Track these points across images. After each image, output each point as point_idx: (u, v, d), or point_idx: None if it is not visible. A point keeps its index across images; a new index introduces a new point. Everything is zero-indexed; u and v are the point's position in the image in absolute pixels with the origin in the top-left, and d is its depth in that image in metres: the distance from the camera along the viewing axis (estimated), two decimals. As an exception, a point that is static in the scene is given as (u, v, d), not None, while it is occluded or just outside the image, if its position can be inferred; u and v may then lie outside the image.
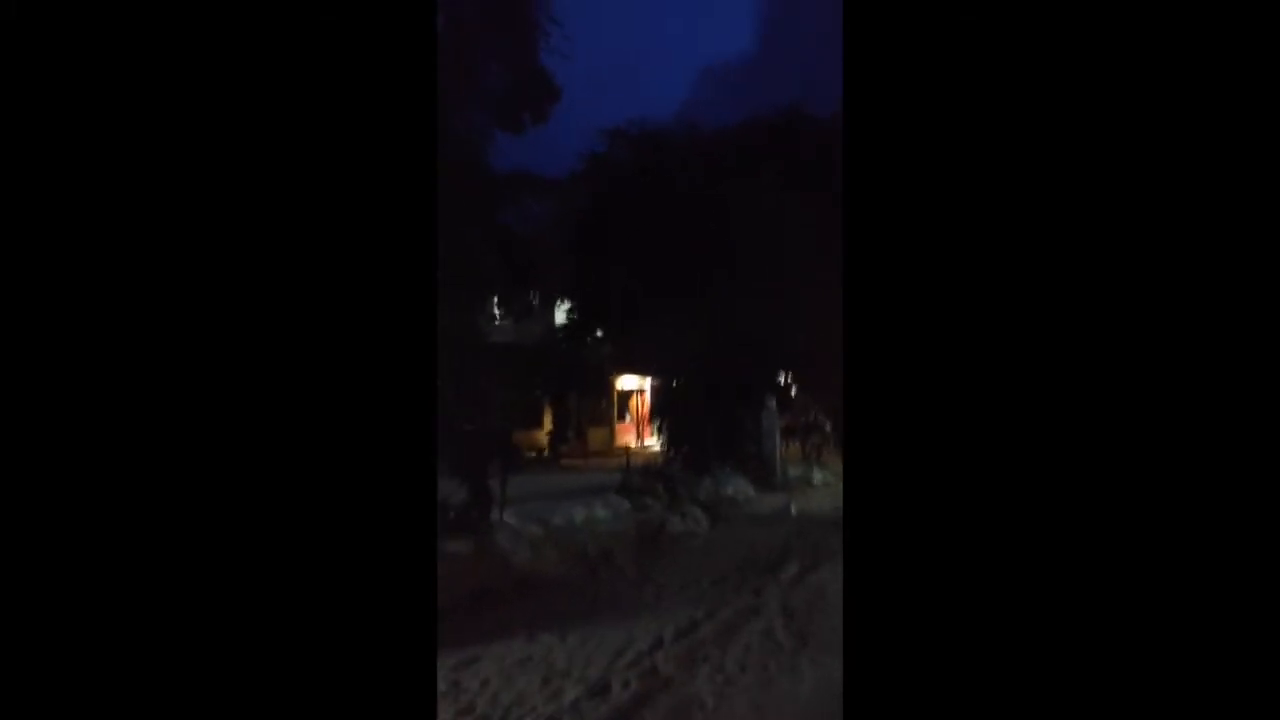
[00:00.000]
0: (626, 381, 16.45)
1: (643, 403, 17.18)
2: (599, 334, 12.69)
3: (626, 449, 13.34)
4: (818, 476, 12.10)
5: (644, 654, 3.60)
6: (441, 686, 3.06)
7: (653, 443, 14.22)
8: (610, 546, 6.26)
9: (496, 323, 9.29)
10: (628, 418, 17.44)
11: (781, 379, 13.77)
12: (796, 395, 15.92)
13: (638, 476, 8.80)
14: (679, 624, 4.11)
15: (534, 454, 13.89)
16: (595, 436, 15.98)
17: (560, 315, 13.16)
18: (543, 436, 14.46)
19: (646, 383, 15.98)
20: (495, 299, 8.40)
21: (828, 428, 14.58)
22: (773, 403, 12.33)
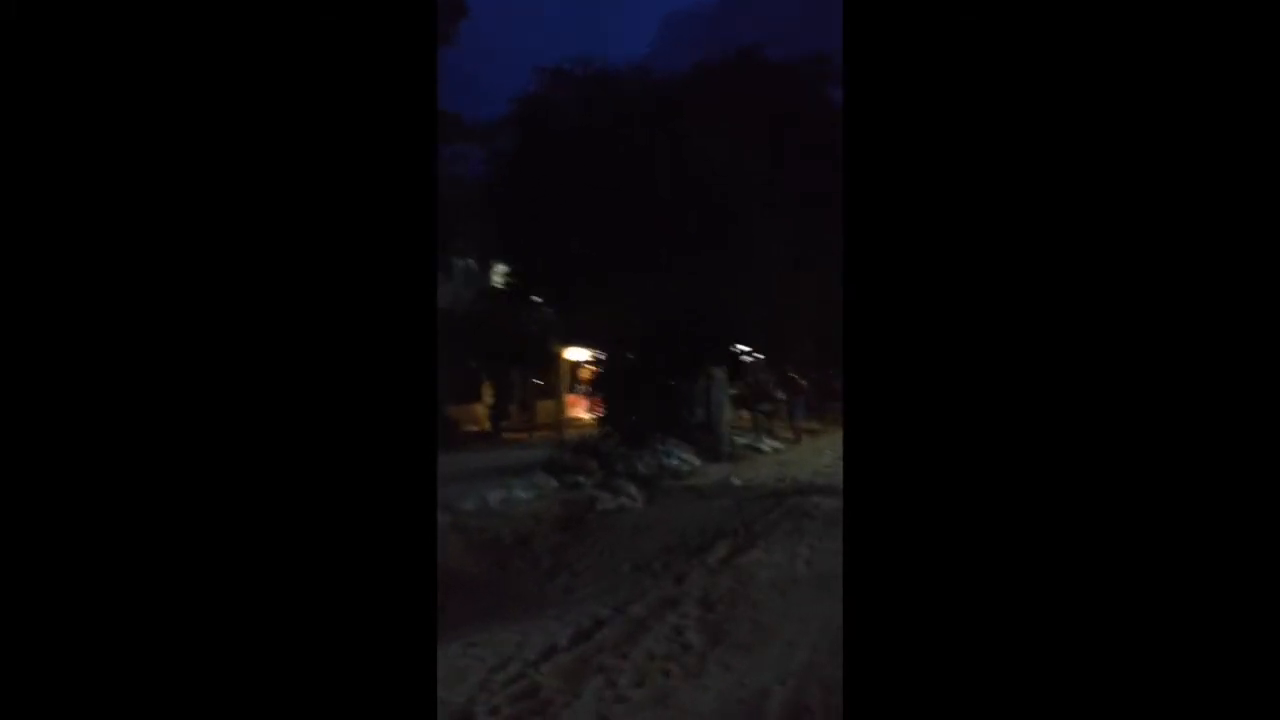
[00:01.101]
0: (579, 352, 15.84)
1: (594, 374, 16.60)
2: (538, 300, 12.01)
3: (571, 423, 12.79)
4: (766, 445, 11.79)
5: (529, 665, 3.08)
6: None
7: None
8: (529, 531, 5.74)
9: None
10: (579, 389, 16.85)
11: (738, 346, 13.37)
12: (751, 362, 15.57)
13: (569, 452, 8.28)
14: (582, 624, 3.60)
15: (474, 429, 13.28)
16: (544, 410, 15.38)
17: (497, 279, 12.40)
18: (482, 410, 13.80)
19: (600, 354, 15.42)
20: None
21: (780, 395, 14.30)
22: (722, 371, 11.89)
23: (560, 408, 15.55)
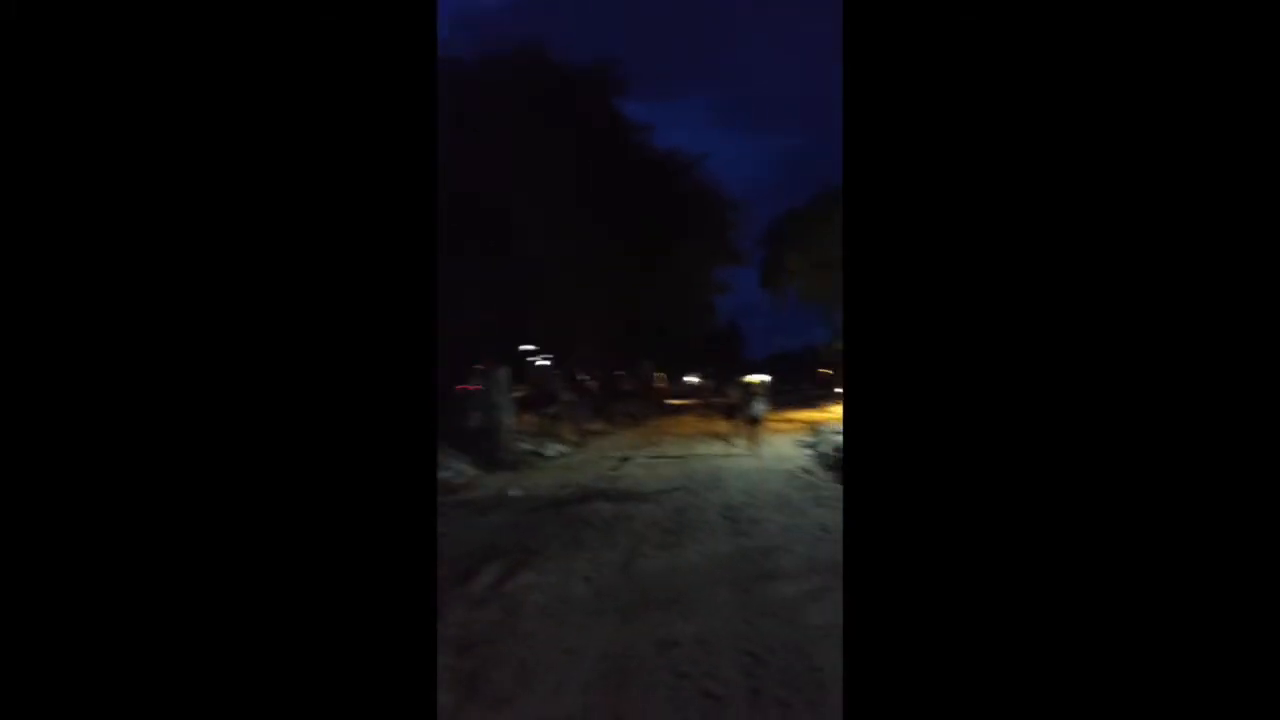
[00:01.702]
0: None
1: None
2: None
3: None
4: (551, 449, 11.35)
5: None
6: None
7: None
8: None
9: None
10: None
11: (525, 347, 12.77)
12: (537, 364, 15.03)
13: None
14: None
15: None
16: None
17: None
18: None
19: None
20: None
21: (566, 397, 13.97)
22: (504, 373, 11.23)
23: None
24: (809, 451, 10.50)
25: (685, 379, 42.98)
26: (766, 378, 30.61)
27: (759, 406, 10.67)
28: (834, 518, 5.89)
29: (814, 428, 14.02)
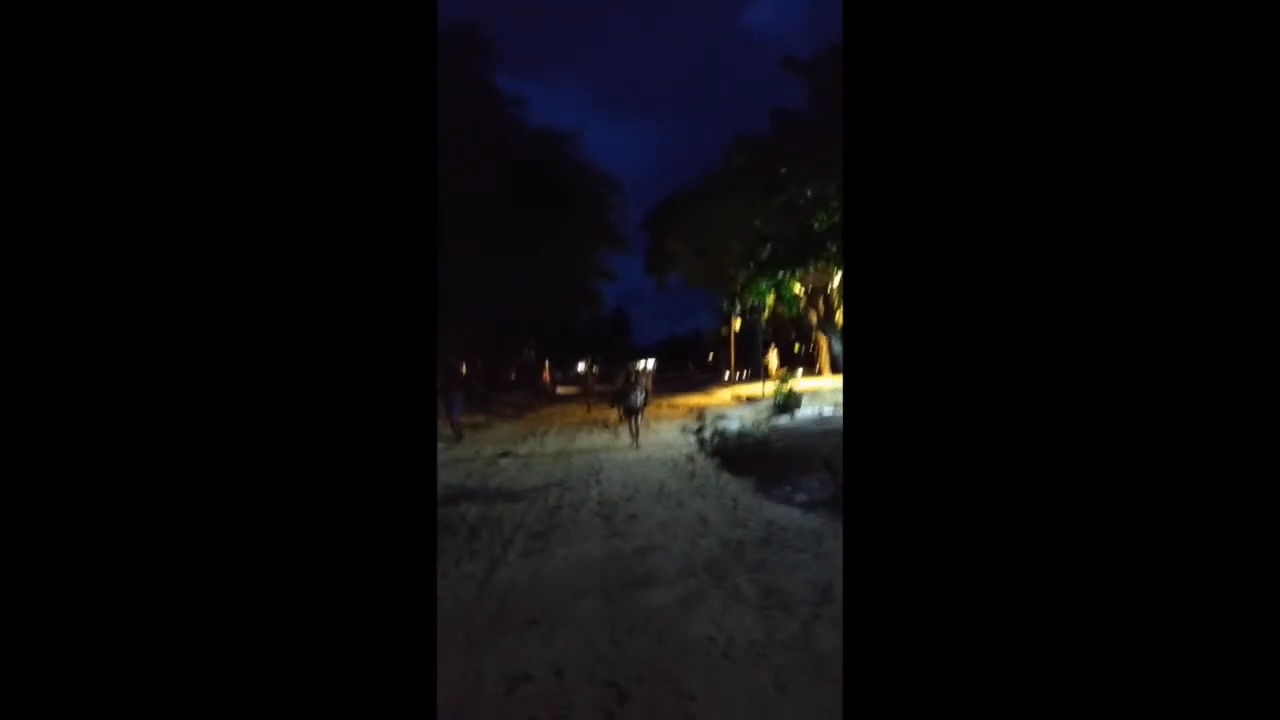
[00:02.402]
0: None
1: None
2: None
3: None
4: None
5: None
6: None
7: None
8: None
9: None
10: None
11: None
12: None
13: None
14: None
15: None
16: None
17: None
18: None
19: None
20: None
21: (441, 389, 13.10)
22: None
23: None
24: (692, 438, 10.34)
25: (573, 368, 42.47)
26: (653, 364, 30.70)
27: (638, 395, 10.37)
28: (714, 508, 5.65)
29: (699, 413, 13.97)
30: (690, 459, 8.56)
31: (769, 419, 11.21)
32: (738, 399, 16.39)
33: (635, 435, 10.22)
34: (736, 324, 26.21)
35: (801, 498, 5.91)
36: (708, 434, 10.01)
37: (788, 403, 12.10)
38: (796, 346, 31.39)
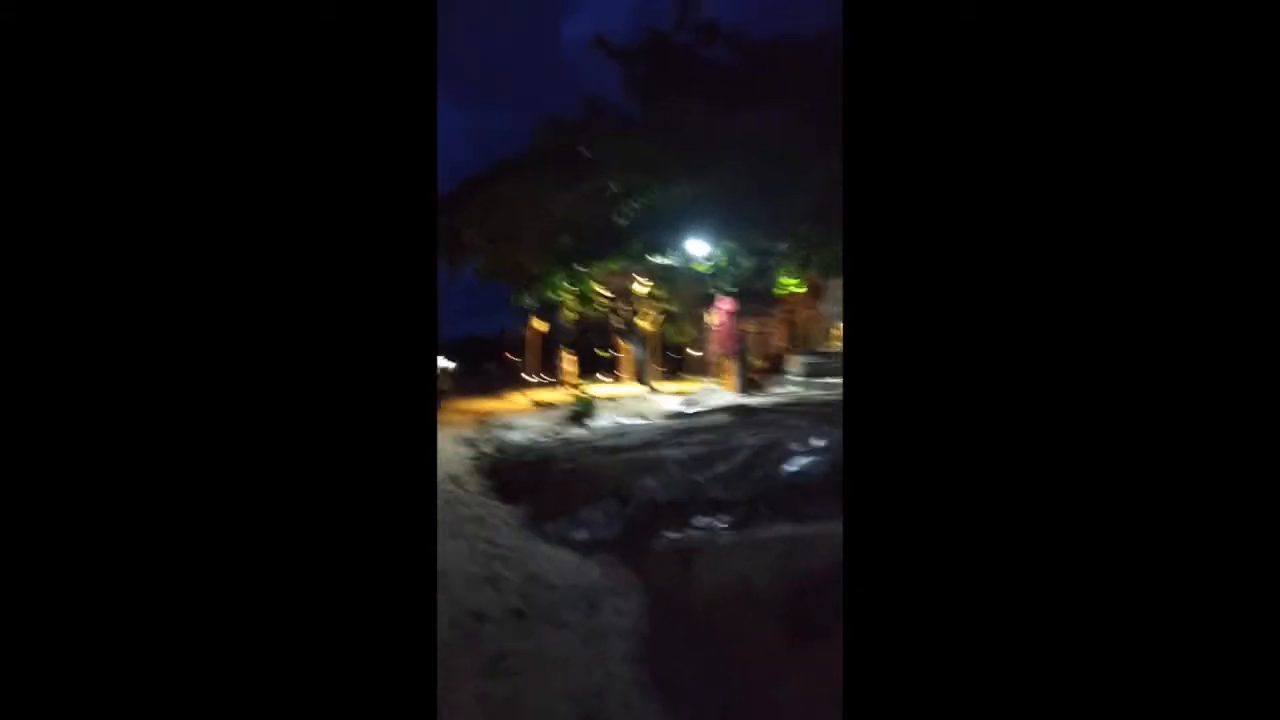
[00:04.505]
0: None
1: None
2: None
3: None
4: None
5: None
6: None
7: None
8: None
9: None
10: None
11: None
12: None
13: None
14: None
15: None
16: None
17: None
18: None
19: None
20: None
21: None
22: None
23: None
24: (469, 451, 8.76)
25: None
26: (450, 364, 28.41)
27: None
28: (462, 556, 4.20)
29: (484, 420, 12.36)
30: (455, 480, 7.01)
31: (560, 430, 9.96)
32: (536, 405, 15.04)
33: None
34: (544, 324, 24.87)
35: (581, 535, 4.68)
36: (486, 447, 8.51)
37: (581, 412, 10.98)
38: (603, 350, 30.86)
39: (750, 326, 15.57)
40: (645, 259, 14.73)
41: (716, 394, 13.61)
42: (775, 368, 15.15)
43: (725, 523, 4.42)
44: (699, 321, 18.79)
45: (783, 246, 13.48)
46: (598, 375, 21.22)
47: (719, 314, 15.83)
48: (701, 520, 4.49)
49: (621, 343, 21.98)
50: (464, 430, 11.38)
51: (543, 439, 9.00)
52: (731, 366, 14.58)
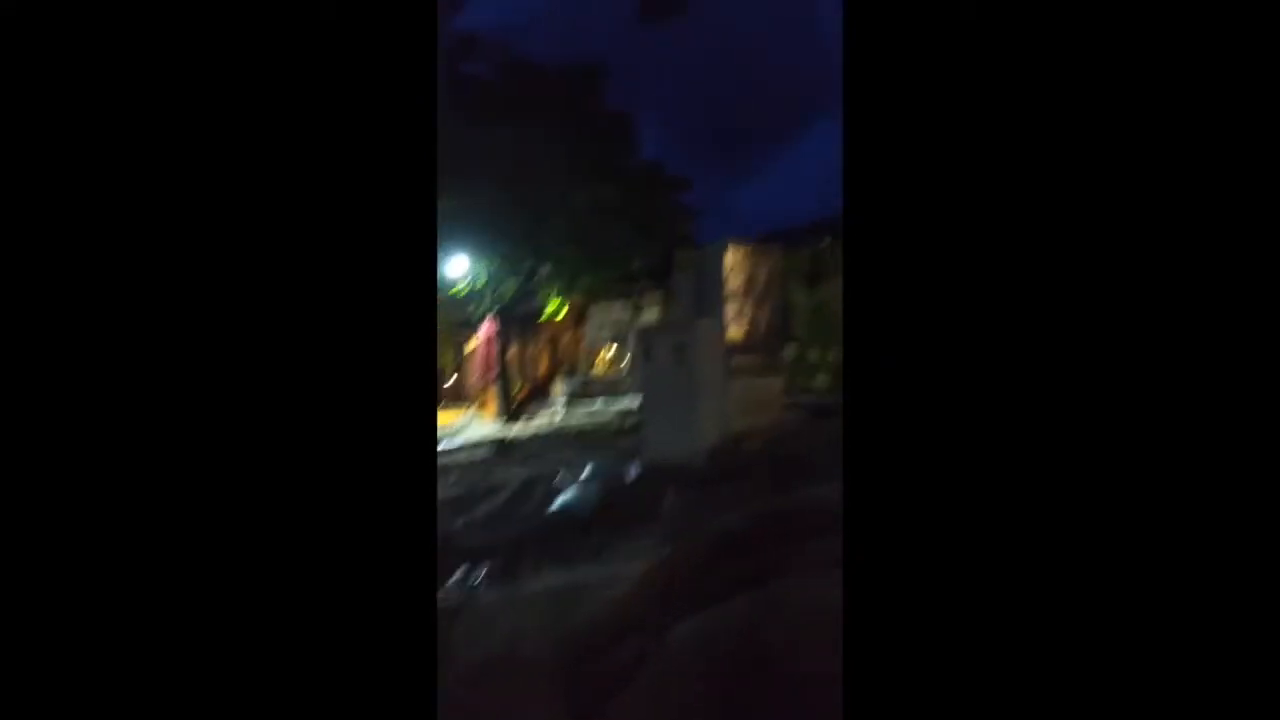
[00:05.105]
0: None
1: None
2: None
3: None
4: None
5: None
6: None
7: None
8: None
9: None
10: None
11: None
12: None
13: None
14: None
15: None
16: None
17: None
18: None
19: None
20: None
21: None
22: None
23: None
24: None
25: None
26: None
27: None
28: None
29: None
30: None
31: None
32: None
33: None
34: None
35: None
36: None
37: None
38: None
39: (512, 351, 15.05)
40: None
41: (476, 424, 12.90)
42: (539, 394, 14.80)
43: (485, 576, 3.87)
44: (457, 347, 17.81)
45: (544, 269, 13.25)
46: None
47: (478, 339, 15.12)
48: (459, 573, 3.90)
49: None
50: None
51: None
52: (493, 393, 13.93)
